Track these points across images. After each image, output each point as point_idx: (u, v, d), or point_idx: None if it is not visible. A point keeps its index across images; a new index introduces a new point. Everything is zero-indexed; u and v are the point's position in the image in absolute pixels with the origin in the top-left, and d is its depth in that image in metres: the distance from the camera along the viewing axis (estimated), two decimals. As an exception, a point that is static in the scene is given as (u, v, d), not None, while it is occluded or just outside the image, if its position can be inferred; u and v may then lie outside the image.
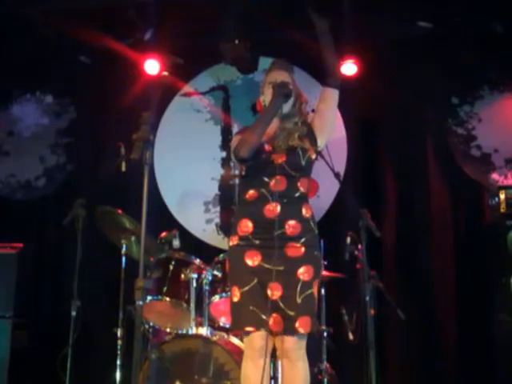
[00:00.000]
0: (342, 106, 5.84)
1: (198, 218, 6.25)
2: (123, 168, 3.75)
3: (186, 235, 5.80)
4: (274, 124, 3.46)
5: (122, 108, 5.90)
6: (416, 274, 5.73)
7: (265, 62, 5.80)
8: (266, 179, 3.34)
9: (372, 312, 4.21)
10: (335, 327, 4.83)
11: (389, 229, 5.82)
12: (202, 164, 6.28)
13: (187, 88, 6.43)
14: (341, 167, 5.82)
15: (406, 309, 4.20)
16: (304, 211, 3.40)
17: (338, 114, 6.03)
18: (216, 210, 6.22)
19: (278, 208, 3.32)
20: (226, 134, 6.26)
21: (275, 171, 3.34)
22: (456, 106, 5.98)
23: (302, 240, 3.34)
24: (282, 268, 3.29)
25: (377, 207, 5.71)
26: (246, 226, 3.34)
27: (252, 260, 3.31)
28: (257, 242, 3.32)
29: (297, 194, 3.38)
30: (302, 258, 3.33)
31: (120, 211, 4.63)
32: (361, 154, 6.11)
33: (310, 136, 3.44)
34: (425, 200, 5.91)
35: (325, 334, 4.74)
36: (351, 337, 4.69)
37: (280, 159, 3.36)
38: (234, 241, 3.40)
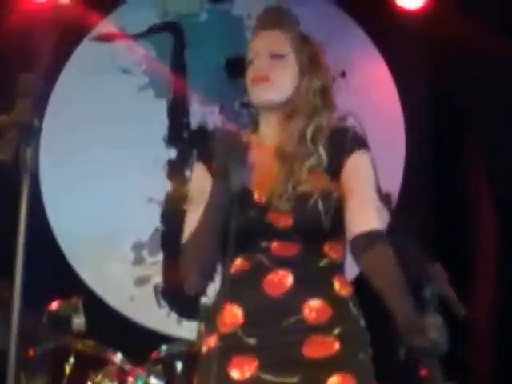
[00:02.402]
0: (397, 65, 5.24)
1: (120, 275, 4.90)
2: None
3: (97, 306, 4.68)
4: (270, 144, 2.53)
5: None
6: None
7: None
8: (263, 244, 2.48)
9: None
10: None
11: (482, 301, 4.51)
12: (131, 171, 4.86)
13: (104, 26, 5.04)
14: (393, 182, 4.46)
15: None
16: (337, 286, 2.47)
17: (391, 85, 5.00)
18: (156, 260, 4.83)
19: (290, 279, 2.47)
20: (178, 114, 4.92)
21: (276, 236, 2.46)
22: None
23: (336, 331, 2.41)
24: (295, 380, 2.36)
25: (459, 258, 4.47)
26: (233, 315, 2.51)
27: (241, 370, 2.42)
28: (251, 340, 2.47)
29: (322, 263, 2.44)
30: (335, 360, 2.37)
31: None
32: (428, 154, 4.82)
33: (335, 165, 2.39)
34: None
35: None
36: None
37: (282, 222, 2.43)
38: (211, 343, 2.51)
